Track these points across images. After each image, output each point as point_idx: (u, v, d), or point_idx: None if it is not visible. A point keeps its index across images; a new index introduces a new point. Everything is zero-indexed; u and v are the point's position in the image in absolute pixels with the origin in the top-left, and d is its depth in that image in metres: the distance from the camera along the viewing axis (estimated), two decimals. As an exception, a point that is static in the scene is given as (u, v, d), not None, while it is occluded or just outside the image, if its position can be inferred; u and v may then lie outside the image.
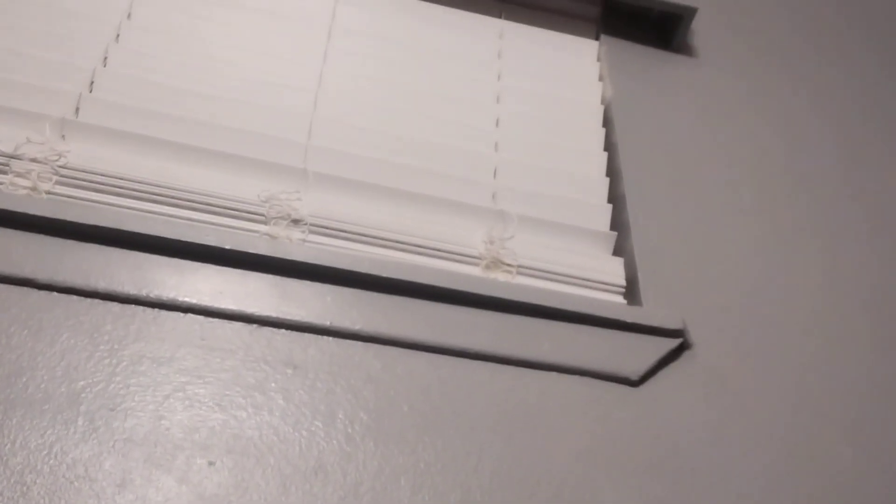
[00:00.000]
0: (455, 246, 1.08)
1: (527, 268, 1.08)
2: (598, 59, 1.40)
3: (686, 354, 1.02)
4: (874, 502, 0.95)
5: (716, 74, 1.41)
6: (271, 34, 1.25)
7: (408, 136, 1.18)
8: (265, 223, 1.03)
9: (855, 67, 1.52)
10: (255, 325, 0.91)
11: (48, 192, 0.99)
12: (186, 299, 0.90)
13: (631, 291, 1.10)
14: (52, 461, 0.77)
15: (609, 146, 1.26)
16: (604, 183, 1.21)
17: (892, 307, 1.16)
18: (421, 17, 1.36)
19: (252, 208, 1.03)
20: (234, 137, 1.10)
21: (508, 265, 1.08)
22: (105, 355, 0.85)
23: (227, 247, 0.94)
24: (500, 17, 1.41)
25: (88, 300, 0.89)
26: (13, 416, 0.79)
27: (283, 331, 0.92)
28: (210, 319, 0.90)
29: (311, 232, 1.04)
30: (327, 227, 1.05)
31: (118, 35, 1.18)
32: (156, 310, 0.90)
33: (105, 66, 1.14)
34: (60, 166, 1.00)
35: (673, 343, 1.01)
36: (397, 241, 1.06)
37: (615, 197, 1.20)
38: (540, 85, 1.33)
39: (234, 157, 1.07)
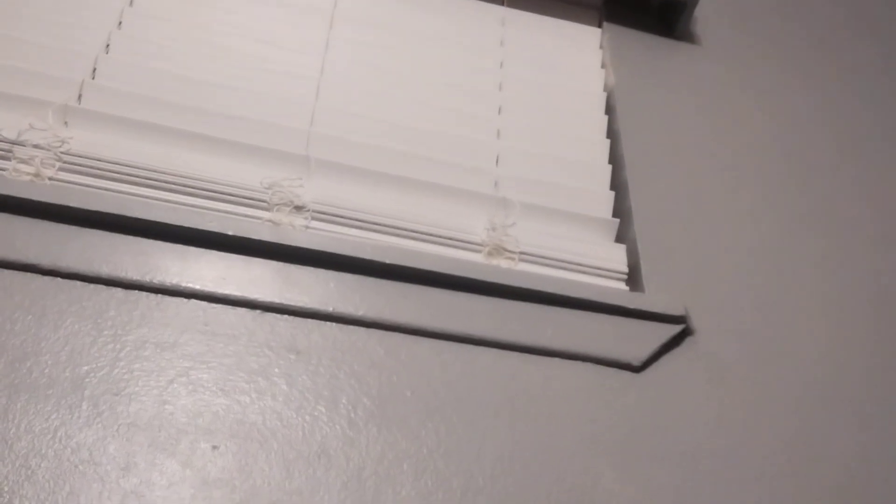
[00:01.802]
0: (457, 233, 1.08)
1: (529, 255, 1.09)
2: (601, 47, 1.39)
3: (688, 341, 1.03)
4: (877, 488, 0.95)
5: (718, 62, 1.41)
6: (274, 21, 1.25)
7: (410, 124, 1.18)
8: (268, 210, 1.03)
9: (856, 55, 1.51)
10: (258, 311, 0.92)
11: (51, 179, 0.99)
12: (190, 285, 0.91)
13: (633, 278, 1.10)
14: (56, 445, 0.77)
15: (611, 133, 1.26)
16: (606, 170, 1.21)
17: (894, 293, 1.16)
18: (423, 4, 1.36)
19: (255, 195, 1.03)
20: (236, 124, 1.10)
21: (511, 252, 1.08)
22: (109, 340, 0.85)
23: (230, 233, 0.94)
24: (502, 4, 1.41)
25: (92, 286, 0.89)
26: (18, 400, 0.79)
27: (286, 316, 0.92)
28: (213, 305, 0.91)
29: (314, 218, 1.04)
30: (330, 214, 1.05)
31: (120, 22, 1.18)
32: (159, 295, 0.90)
33: (107, 52, 1.14)
34: (63, 152, 1.00)
35: (675, 329, 1.02)
36: (400, 228, 1.06)
37: (617, 184, 1.20)
38: (542, 73, 1.32)
39: (237, 144, 1.07)
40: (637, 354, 0.98)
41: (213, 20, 1.22)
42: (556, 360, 0.96)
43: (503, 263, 1.07)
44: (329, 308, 0.93)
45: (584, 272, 1.09)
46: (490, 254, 1.08)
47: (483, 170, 1.16)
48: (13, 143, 0.99)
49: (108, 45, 1.15)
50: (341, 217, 1.05)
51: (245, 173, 1.05)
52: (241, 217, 1.01)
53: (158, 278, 0.90)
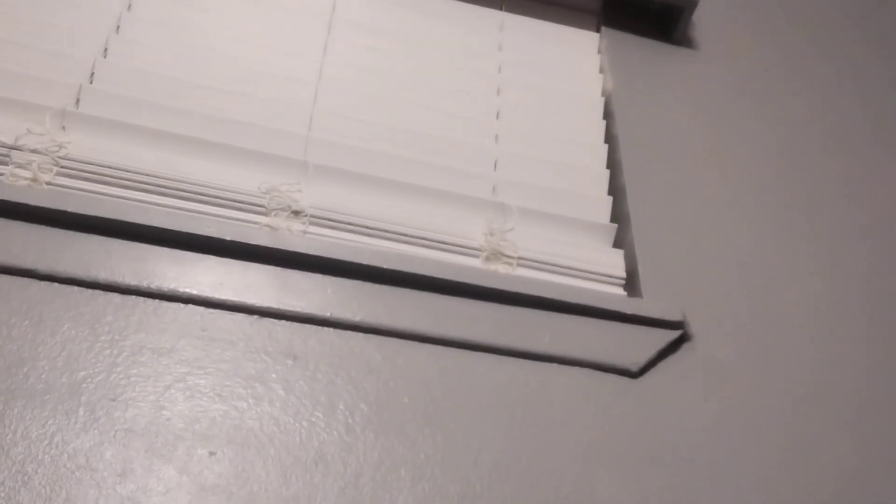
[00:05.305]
0: (455, 237, 1.08)
1: (527, 259, 1.09)
2: (599, 52, 1.39)
3: (686, 346, 1.02)
4: (873, 495, 0.95)
5: (716, 67, 1.41)
6: (272, 26, 1.25)
7: (408, 128, 1.18)
8: (266, 214, 1.03)
9: (854, 60, 1.52)
10: (255, 317, 0.91)
11: (49, 183, 0.99)
12: (187, 290, 0.91)
13: (631, 283, 1.10)
14: (53, 451, 0.77)
15: (609, 138, 1.26)
16: (604, 175, 1.21)
17: (891, 299, 1.16)
18: (421, 9, 1.36)
19: (253, 199, 1.03)
20: (234, 129, 1.10)
21: (509, 257, 1.08)
22: (106, 346, 0.85)
23: (228, 238, 0.94)
24: (500, 9, 1.41)
25: (89, 291, 0.89)
26: (14, 406, 0.79)
27: (283, 322, 0.92)
28: (211, 310, 0.91)
29: (312, 223, 1.04)
30: (328, 219, 1.05)
31: (119, 26, 1.18)
32: (156, 301, 0.90)
33: (105, 57, 1.14)
34: (61, 157, 1.00)
35: (673, 335, 1.02)
36: (398, 233, 1.06)
37: (615, 189, 1.20)
38: (540, 77, 1.32)
39: (235, 149, 1.07)
40: (635, 360, 0.98)
41: (211, 25, 1.22)
42: (554, 365, 0.96)
43: (501, 268, 1.07)
44: (327, 313, 0.93)
45: (581, 277, 1.09)
46: (488, 259, 1.08)
47: (481, 174, 1.16)
48: (11, 147, 0.99)
49: (106, 50, 1.15)
50: (339, 222, 1.05)
51: (243, 178, 1.05)
52: (238, 222, 1.01)
53: (156, 283, 0.90)
